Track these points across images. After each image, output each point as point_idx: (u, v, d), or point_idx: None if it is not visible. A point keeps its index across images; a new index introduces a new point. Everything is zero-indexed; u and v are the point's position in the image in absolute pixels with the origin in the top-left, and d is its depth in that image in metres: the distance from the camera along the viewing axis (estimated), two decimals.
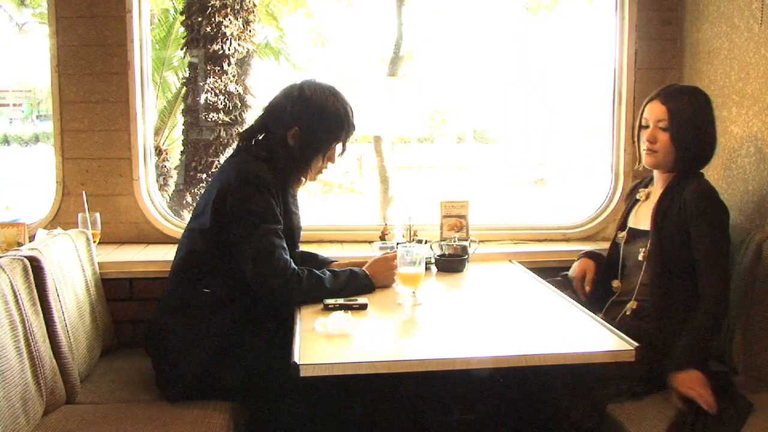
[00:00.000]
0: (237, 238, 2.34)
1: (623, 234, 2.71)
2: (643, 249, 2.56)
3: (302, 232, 2.69)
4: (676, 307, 2.46)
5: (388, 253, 2.70)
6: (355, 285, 2.47)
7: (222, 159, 8.76)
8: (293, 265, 2.37)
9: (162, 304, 2.51)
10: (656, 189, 2.64)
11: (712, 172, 3.09)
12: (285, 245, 2.38)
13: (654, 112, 2.57)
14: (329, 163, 2.56)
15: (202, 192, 2.54)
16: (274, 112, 2.50)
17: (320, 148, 2.48)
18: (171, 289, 2.50)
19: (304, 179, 2.57)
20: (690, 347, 2.30)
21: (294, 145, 2.45)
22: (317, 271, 2.43)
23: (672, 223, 2.49)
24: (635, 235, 2.66)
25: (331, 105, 2.45)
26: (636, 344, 1.97)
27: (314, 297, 2.37)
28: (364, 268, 2.56)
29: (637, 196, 2.75)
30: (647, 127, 2.58)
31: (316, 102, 2.44)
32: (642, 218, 2.66)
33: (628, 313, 2.57)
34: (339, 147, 2.56)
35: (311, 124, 2.43)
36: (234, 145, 8.40)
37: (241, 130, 2.46)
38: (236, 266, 2.36)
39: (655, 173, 2.67)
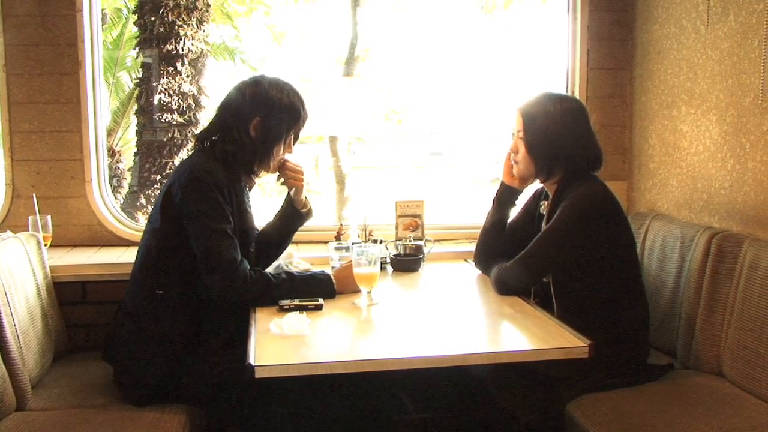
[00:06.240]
0: (189, 237, 2.32)
1: None
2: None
3: (257, 232, 2.68)
4: (608, 324, 2.39)
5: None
6: (314, 287, 2.43)
7: (176, 160, 8.69)
8: (245, 265, 2.34)
9: (120, 310, 2.47)
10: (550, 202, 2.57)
11: (663, 170, 3.15)
12: (236, 245, 2.34)
13: (516, 121, 2.53)
14: (287, 153, 2.57)
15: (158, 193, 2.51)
16: (230, 107, 2.49)
17: (281, 135, 2.49)
18: (128, 293, 2.46)
19: (266, 171, 2.56)
20: None
21: (256, 135, 2.45)
22: (270, 273, 2.41)
23: None
24: None
25: (286, 93, 2.49)
26: (589, 341, 1.96)
27: (267, 299, 2.34)
28: (332, 273, 2.52)
29: (542, 210, 2.65)
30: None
31: (274, 92, 2.47)
32: None
33: None
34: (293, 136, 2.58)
35: (272, 112, 2.45)
36: (189, 147, 8.40)
37: (196, 132, 2.45)
38: (189, 266, 2.33)
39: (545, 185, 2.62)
